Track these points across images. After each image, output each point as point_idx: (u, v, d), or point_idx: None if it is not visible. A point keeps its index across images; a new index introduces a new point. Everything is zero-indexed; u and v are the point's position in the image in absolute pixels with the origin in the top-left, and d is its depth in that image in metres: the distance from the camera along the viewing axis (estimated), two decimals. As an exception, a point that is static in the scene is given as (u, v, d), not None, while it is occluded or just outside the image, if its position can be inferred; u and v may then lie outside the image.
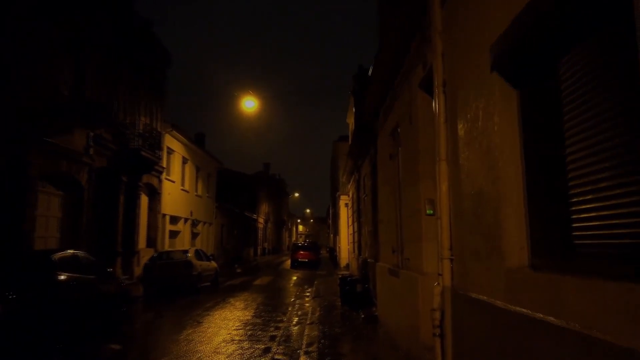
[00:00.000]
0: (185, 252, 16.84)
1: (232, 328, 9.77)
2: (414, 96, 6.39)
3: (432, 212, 5.96)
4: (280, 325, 10.24)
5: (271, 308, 12.88)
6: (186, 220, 27.53)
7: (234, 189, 48.54)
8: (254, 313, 11.91)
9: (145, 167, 19.92)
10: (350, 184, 20.37)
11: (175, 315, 11.81)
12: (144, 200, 21.78)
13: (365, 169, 13.25)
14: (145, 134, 19.71)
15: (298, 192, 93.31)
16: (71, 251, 9.00)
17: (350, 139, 21.72)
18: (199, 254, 17.64)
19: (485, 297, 3.65)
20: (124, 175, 18.68)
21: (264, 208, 62.82)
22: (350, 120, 23.09)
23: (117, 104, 18.43)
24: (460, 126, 4.31)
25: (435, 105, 4.93)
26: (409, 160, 6.91)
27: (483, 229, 3.70)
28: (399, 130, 7.98)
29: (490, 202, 3.56)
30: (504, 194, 3.35)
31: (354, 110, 18.03)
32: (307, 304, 13.58)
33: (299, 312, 12.12)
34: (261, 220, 59.32)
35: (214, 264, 19.11)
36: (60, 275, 7.99)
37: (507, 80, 3.41)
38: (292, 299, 14.92)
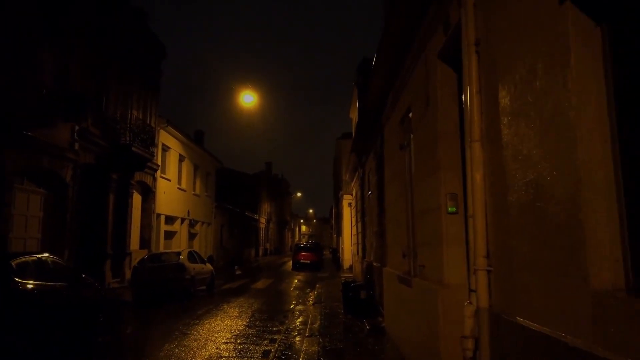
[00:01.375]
0: (178, 254, 15.77)
1: (221, 341, 8.69)
2: (432, 70, 5.30)
3: (454, 209, 4.88)
4: (276, 337, 9.15)
5: (267, 316, 11.80)
6: (183, 220, 26.50)
7: (234, 189, 47.51)
8: (248, 322, 10.83)
9: (137, 164, 18.89)
10: (354, 181, 19.27)
11: (160, 324, 10.74)
12: (137, 199, 20.77)
13: (370, 164, 12.15)
14: (137, 129, 18.67)
15: (301, 192, 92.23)
16: (37, 255, 7.93)
17: (353, 134, 20.61)
18: (192, 256, 16.56)
19: (547, 329, 2.55)
20: (113, 172, 17.67)
21: (266, 208, 61.77)
22: (354, 114, 21.96)
23: (107, 97, 17.41)
24: (503, 93, 3.21)
25: (466, 71, 3.83)
26: (424, 149, 5.81)
27: (547, 231, 2.60)
28: (410, 115, 6.89)
29: (559, 193, 2.46)
30: (586, 180, 2.25)
31: (357, 103, 16.93)
32: (307, 311, 12.49)
33: (298, 321, 11.04)
34: (263, 220, 58.27)
35: (209, 266, 18.02)
36: (20, 283, 6.92)
37: (589, 11, 2.31)
38: (292, 305, 13.83)
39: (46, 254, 8.19)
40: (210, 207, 32.59)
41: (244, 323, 10.69)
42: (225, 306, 13.44)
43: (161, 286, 14.79)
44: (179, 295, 14.91)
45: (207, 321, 10.86)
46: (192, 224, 27.95)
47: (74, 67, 14.98)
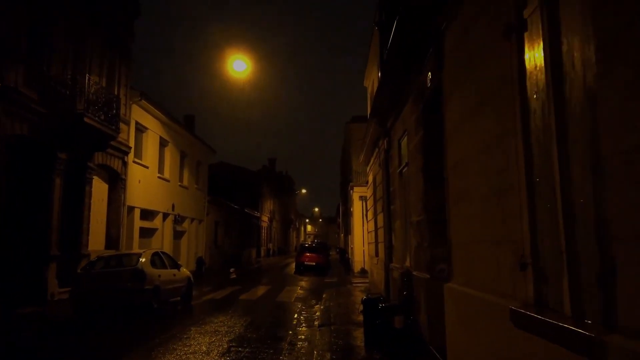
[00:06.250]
0: (138, 256, 11.74)
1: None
2: None
3: None
4: (254, 406, 5.10)
5: (250, 351, 7.75)
6: (166, 215, 22.48)
7: (234, 185, 43.72)
8: (217, 366, 6.79)
9: (95, 141, 14.90)
10: (371, 163, 15.14)
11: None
12: (101, 188, 16.78)
13: (406, 122, 8.04)
14: (95, 98, 14.63)
15: (306, 189, 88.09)
16: None
17: (369, 107, 16.51)
18: (159, 259, 12.56)
19: None
20: (61, 150, 13.66)
21: (269, 206, 57.80)
22: (370, 80, 17.83)
23: (50, 52, 13.42)
24: None
25: None
26: None
27: None
28: None
29: None
30: None
31: (378, 53, 12.88)
32: (311, 342, 8.43)
33: (296, 363, 6.98)
34: (265, 218, 54.30)
35: (185, 272, 14.01)
36: None
37: None
38: (289, 331, 9.73)
39: None
40: (201, 202, 28.57)
41: (208, 369, 6.65)
42: (193, 331, 9.38)
43: (109, 300, 10.82)
44: (136, 312, 10.94)
45: (149, 365, 6.82)
46: (177, 221, 23.92)
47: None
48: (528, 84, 3.26)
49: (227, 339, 8.71)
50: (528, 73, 3.26)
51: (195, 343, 8.32)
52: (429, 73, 6.02)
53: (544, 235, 3.08)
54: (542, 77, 3.01)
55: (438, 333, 5.72)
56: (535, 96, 3.16)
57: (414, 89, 7.10)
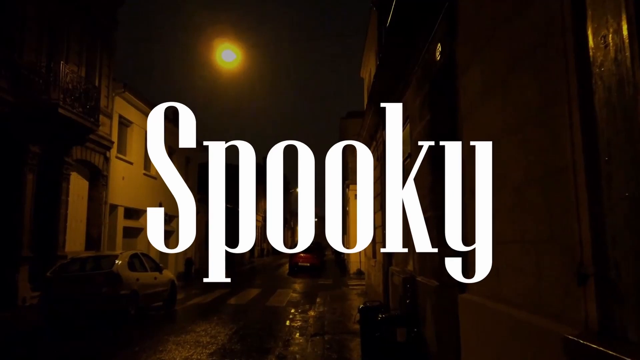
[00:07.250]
0: (114, 258, 10.78)
1: None
2: None
3: None
4: None
5: (232, 367, 6.85)
6: (153, 214, 21.44)
7: (227, 183, 42.66)
8: (191, 386, 5.88)
9: (72, 134, 13.92)
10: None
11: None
12: (81, 184, 15.80)
13: (407, 109, 7.13)
14: (72, 88, 13.63)
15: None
16: None
17: (365, 97, 15.60)
18: (139, 262, 11.61)
19: None
20: (34, 143, 12.69)
21: (263, 205, 56.77)
22: (367, 70, 16.88)
23: (22, 37, 12.44)
24: None
25: None
26: None
27: None
28: None
29: None
30: None
31: (375, 38, 11.98)
32: (301, 354, 7.52)
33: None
34: (259, 218, 53.28)
35: (168, 274, 13.07)
36: None
37: None
38: (278, 341, 8.81)
39: None
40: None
41: (180, 391, 5.73)
42: (171, 342, 8.44)
43: (83, 305, 9.86)
44: (111, 319, 9.98)
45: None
46: (165, 220, 22.90)
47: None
48: (590, 24, 2.36)
49: (207, 351, 7.78)
50: (590, 11, 2.36)
51: (171, 357, 7.39)
52: (438, 45, 5.13)
53: (617, 235, 2.19)
54: (619, 10, 2.11)
55: (448, 350, 4.83)
56: (602, 41, 2.26)
57: (419, 69, 6.20)
